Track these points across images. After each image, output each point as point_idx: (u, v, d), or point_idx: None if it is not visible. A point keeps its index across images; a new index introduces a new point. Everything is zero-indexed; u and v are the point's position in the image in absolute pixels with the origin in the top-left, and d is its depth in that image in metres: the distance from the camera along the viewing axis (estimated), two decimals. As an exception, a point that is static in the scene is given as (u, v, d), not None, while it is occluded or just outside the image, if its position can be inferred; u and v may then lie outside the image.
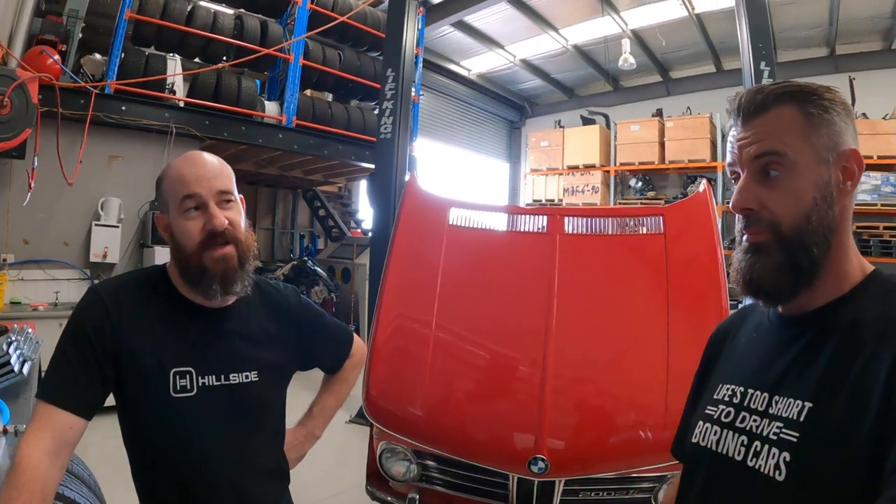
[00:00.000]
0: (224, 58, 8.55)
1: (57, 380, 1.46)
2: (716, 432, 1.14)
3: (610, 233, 3.47)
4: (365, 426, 3.49)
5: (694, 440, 1.20)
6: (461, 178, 16.04)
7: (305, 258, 10.72)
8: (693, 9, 11.01)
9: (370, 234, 9.37)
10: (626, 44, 11.41)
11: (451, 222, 3.55)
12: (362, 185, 13.21)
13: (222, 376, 1.59)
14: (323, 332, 1.97)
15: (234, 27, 8.52)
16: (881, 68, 11.28)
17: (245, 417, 1.64)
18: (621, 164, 13.25)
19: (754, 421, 1.07)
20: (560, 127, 14.76)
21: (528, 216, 3.59)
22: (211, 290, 1.55)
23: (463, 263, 3.44)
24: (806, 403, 0.98)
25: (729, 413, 1.13)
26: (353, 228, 13.20)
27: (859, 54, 11.61)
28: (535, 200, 14.28)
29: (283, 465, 1.83)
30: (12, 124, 5.66)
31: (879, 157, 10.03)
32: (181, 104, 7.80)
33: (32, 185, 6.07)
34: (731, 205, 1.12)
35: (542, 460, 2.59)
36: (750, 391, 1.12)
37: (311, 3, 9.07)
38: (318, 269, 10.13)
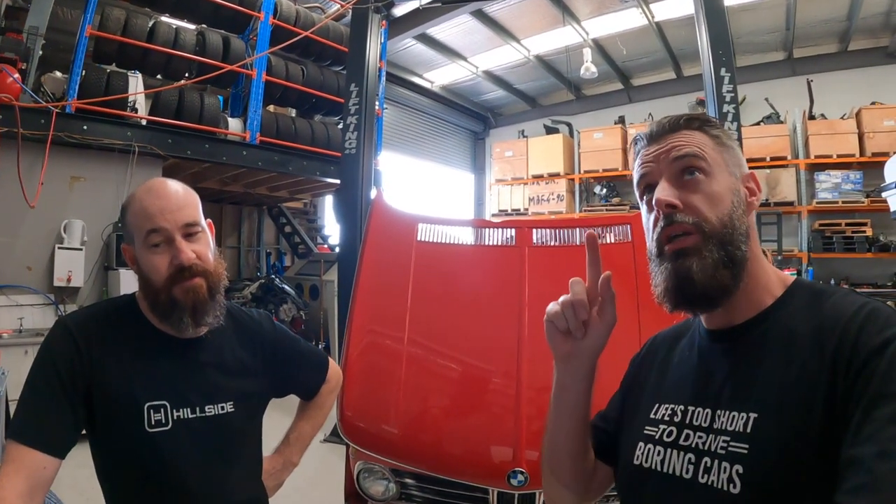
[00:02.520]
0: (186, 74, 8.45)
1: (28, 419, 1.41)
2: (659, 452, 1.14)
3: (578, 243, 3.49)
4: (340, 444, 3.46)
5: (636, 462, 1.18)
6: (427, 190, 16.07)
7: (273, 276, 10.60)
8: (653, 17, 11.19)
9: (337, 249, 9.32)
10: (588, 53, 11.55)
11: (419, 238, 3.54)
12: (328, 201, 13.13)
13: (198, 408, 1.56)
14: (298, 358, 1.95)
15: (196, 43, 8.45)
16: (837, 70, 11.63)
17: (222, 449, 1.62)
18: (585, 172, 13.42)
19: (699, 438, 1.07)
20: (524, 137, 14.91)
21: (495, 229, 3.60)
22: (182, 322, 1.52)
23: (433, 279, 3.43)
24: (751, 415, 1.00)
25: (671, 432, 1.14)
26: (320, 244, 13.15)
27: (816, 57, 11.94)
28: (500, 211, 14.36)
29: (261, 494, 1.80)
30: (-28, 146, 5.53)
31: (839, 156, 10.41)
32: (143, 122, 7.71)
33: (-7, 208, 5.93)
34: (654, 201, 1.12)
35: (522, 473, 2.59)
36: (691, 408, 1.13)
37: (274, 18, 9.05)
38: (286, 287, 10.02)
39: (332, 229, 13.24)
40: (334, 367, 2.09)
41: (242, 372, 1.70)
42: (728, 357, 1.11)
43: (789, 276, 1.15)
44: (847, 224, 10.39)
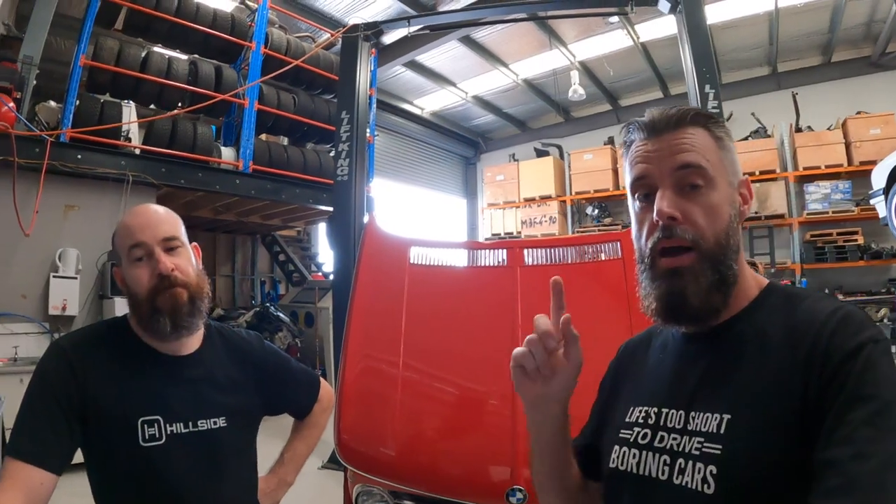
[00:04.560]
0: (179, 104, 8.48)
1: (26, 436, 1.44)
2: (634, 455, 1.14)
3: (569, 262, 3.51)
4: (338, 471, 3.45)
5: (612, 465, 1.18)
6: (420, 216, 16.12)
7: (267, 304, 10.56)
8: (638, 38, 11.35)
9: (332, 276, 9.31)
10: (575, 75, 11.70)
11: (411, 261, 3.55)
12: (321, 228, 13.17)
13: (190, 423, 1.60)
14: (288, 377, 1.99)
15: (189, 73, 8.49)
16: (822, 82, 11.85)
17: (216, 464, 1.64)
18: (577, 193, 13.50)
19: (674, 439, 1.08)
20: (514, 160, 15.02)
21: (487, 251, 3.61)
22: (159, 324, 1.56)
23: (426, 302, 3.43)
24: (724, 416, 1.00)
25: (646, 434, 1.14)
26: (314, 272, 13.12)
27: (800, 70, 12.17)
28: (493, 234, 14.42)
29: None
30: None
31: (827, 167, 10.55)
32: (137, 151, 7.73)
33: (-12, 236, 5.92)
34: (655, 214, 1.09)
35: (521, 490, 2.59)
36: (664, 410, 1.12)
37: (265, 47, 9.11)
38: (281, 315, 10.00)
39: (325, 257, 13.22)
40: (326, 386, 2.15)
41: (233, 388, 1.73)
42: (702, 359, 1.12)
43: (763, 279, 1.16)
44: (838, 233, 10.49)
